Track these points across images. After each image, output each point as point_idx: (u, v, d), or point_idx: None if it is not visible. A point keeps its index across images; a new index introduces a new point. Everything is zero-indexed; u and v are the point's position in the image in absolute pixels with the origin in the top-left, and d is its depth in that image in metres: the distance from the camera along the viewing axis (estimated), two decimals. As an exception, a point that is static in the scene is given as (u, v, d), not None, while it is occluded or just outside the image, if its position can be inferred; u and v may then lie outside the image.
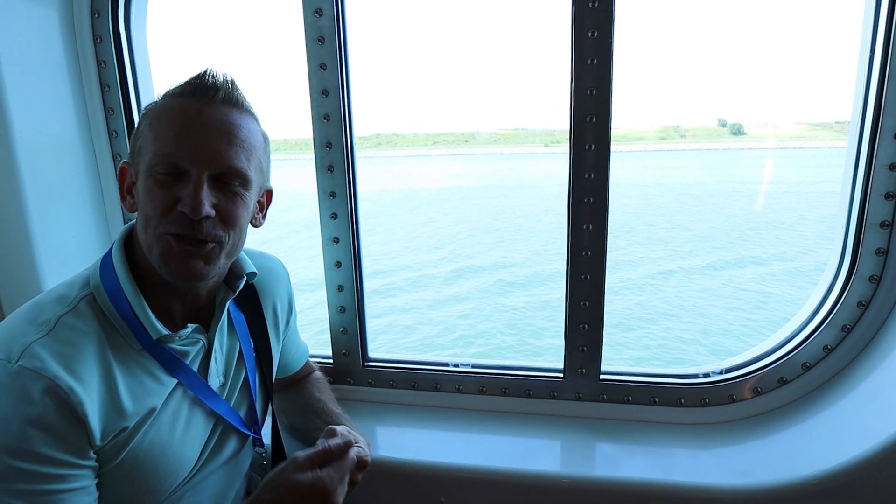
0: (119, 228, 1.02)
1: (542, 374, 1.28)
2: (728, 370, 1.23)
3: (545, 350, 8.44)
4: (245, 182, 0.85)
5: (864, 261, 1.10)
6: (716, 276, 12.08)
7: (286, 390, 1.20)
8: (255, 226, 0.93)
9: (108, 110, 1.32)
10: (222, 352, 0.96)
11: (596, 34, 1.06)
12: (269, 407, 1.07)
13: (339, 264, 1.28)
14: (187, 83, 0.84)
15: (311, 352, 1.28)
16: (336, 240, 1.27)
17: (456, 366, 1.33)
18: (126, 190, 0.87)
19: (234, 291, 0.94)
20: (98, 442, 0.76)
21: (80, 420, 0.74)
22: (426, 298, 11.13)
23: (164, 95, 0.85)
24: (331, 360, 1.36)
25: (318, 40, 1.17)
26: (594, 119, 1.10)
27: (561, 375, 1.26)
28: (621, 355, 8.10)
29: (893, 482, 0.97)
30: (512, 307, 10.49)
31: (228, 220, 0.84)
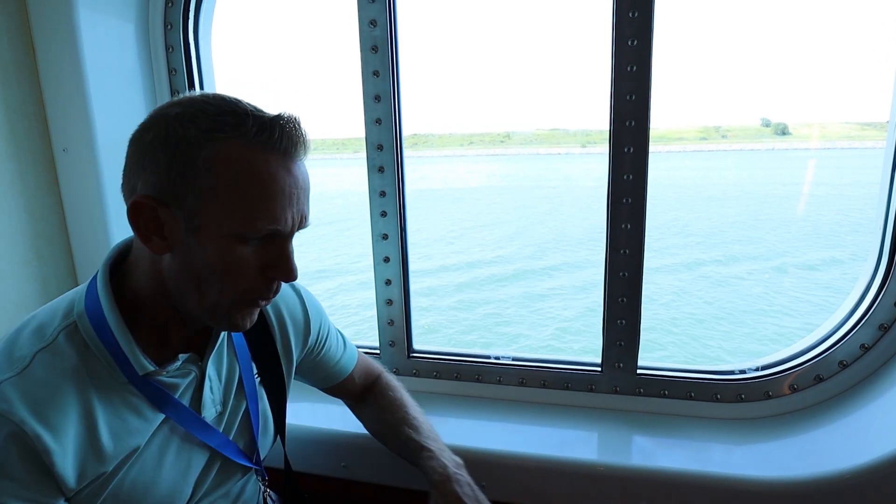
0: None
1: (580, 367, 1.33)
2: (764, 367, 1.25)
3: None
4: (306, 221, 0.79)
5: (900, 260, 1.11)
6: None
7: (361, 403, 1.15)
8: None
9: (177, 115, 1.43)
10: (219, 379, 0.88)
11: (636, 42, 1.11)
12: (281, 434, 1.00)
13: (387, 259, 1.36)
14: (275, 135, 0.71)
15: (358, 342, 1.36)
16: (385, 236, 1.35)
17: (497, 358, 1.39)
18: (151, 230, 0.72)
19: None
20: (73, 487, 0.70)
21: (46, 469, 0.68)
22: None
23: (231, 137, 0.70)
24: (378, 351, 1.44)
25: (372, 49, 1.25)
26: (633, 123, 1.14)
27: (599, 369, 1.31)
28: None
29: None
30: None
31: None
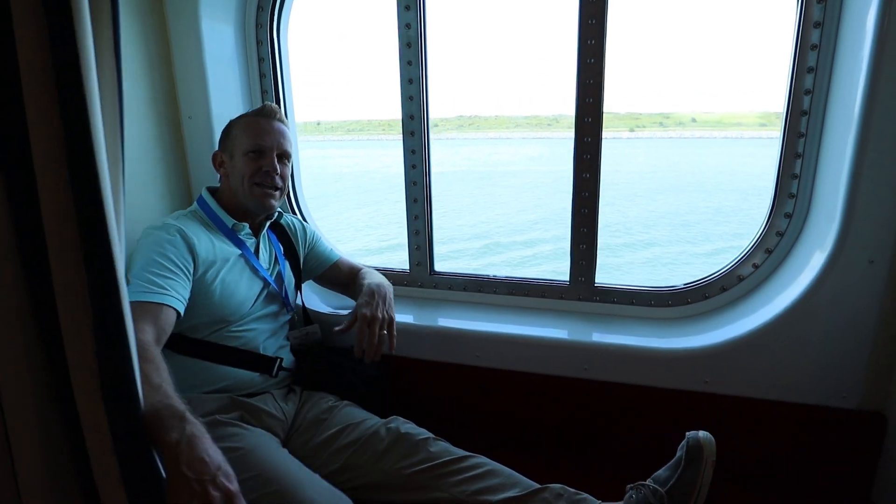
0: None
1: (553, 282, 1.81)
2: (687, 283, 1.72)
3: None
4: (289, 158, 1.55)
5: (780, 202, 1.56)
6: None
7: (349, 289, 1.73)
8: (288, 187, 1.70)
9: (263, 92, 1.94)
10: (266, 251, 1.58)
11: (593, 42, 1.56)
12: (299, 293, 1.70)
13: (416, 200, 1.86)
14: (260, 109, 1.54)
15: (393, 266, 1.90)
16: (414, 182, 1.84)
17: (495, 277, 1.89)
18: (218, 164, 1.55)
19: (269, 219, 1.58)
20: (201, 260, 1.36)
21: (191, 247, 1.36)
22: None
23: (242, 116, 1.55)
24: (408, 270, 1.95)
25: (407, 45, 1.73)
26: (591, 100, 1.61)
27: (567, 282, 1.79)
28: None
29: (796, 331, 1.43)
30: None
31: (284, 177, 1.53)
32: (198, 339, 1.38)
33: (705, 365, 1.52)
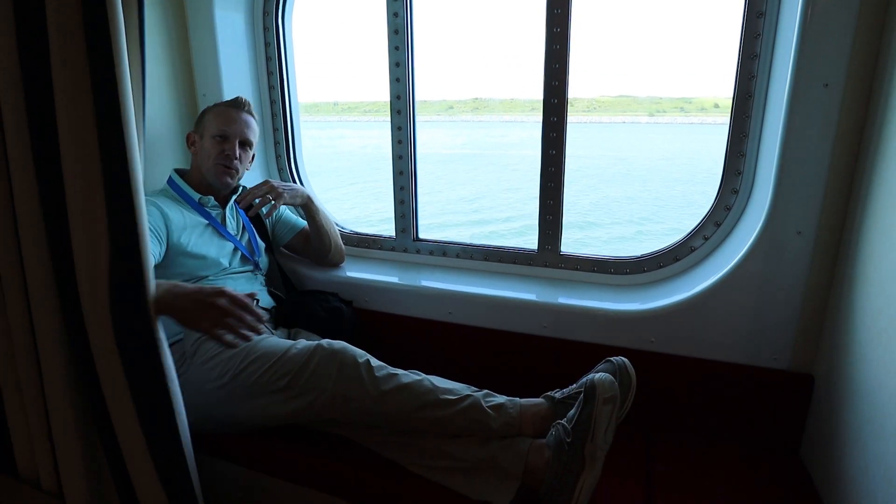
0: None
1: (523, 249, 1.99)
2: (643, 254, 1.86)
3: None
4: (250, 145, 1.79)
5: (728, 179, 1.68)
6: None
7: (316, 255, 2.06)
8: (246, 170, 1.84)
9: (269, 73, 2.16)
10: (234, 220, 1.84)
11: (559, 30, 1.71)
12: (269, 255, 1.96)
13: (401, 173, 2.05)
14: (233, 101, 1.78)
15: (381, 232, 2.09)
16: (400, 157, 2.03)
17: (471, 244, 2.07)
18: (190, 143, 1.80)
19: (233, 195, 1.84)
20: (172, 227, 1.60)
21: (164, 216, 1.60)
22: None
23: (217, 105, 1.79)
24: (394, 236, 2.15)
25: (395, 32, 1.92)
26: (556, 83, 1.76)
27: (535, 250, 1.96)
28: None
29: (732, 295, 1.57)
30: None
31: (242, 160, 1.78)
32: None
33: (651, 326, 1.67)
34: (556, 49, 1.74)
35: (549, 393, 1.45)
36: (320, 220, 1.95)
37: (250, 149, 1.80)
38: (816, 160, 1.41)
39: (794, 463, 1.54)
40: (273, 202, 1.80)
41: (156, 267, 1.55)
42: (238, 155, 1.74)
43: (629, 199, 17.26)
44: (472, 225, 13.87)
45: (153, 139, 1.89)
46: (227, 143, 1.72)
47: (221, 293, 1.21)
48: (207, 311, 1.19)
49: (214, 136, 1.72)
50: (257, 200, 1.80)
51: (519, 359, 1.80)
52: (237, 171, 1.76)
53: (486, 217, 14.81)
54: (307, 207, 1.92)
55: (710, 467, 1.53)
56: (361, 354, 1.46)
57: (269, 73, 2.15)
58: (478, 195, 17.46)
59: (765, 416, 1.61)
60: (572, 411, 1.32)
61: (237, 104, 1.77)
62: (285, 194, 1.83)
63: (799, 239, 1.48)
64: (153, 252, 1.52)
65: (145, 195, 1.57)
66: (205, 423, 1.56)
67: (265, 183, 1.82)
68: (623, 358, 1.38)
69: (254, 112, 1.81)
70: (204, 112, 1.79)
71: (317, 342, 1.49)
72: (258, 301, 1.72)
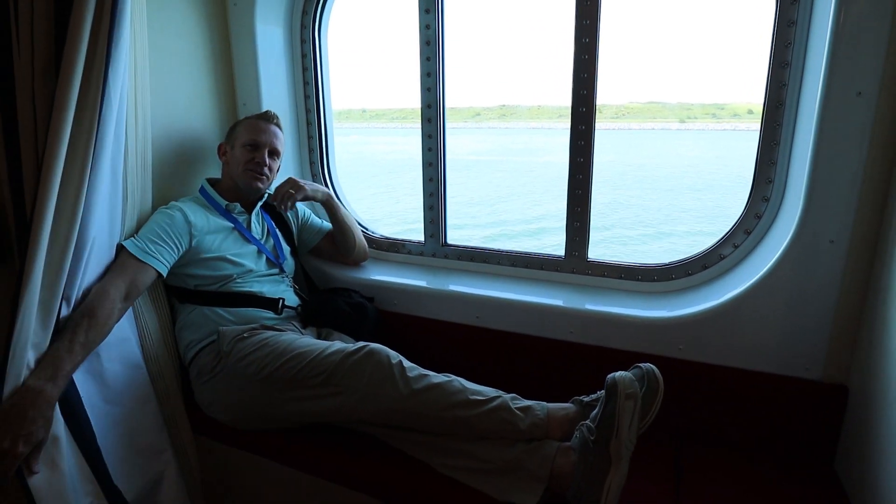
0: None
1: (551, 256, 2.01)
2: (672, 262, 1.86)
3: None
4: (278, 155, 1.87)
5: (759, 187, 1.68)
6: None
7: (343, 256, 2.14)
8: (274, 178, 1.91)
9: (305, 83, 2.24)
10: (259, 225, 1.90)
11: (587, 21, 1.74)
12: (295, 258, 2.02)
13: (431, 180, 2.10)
14: (263, 114, 1.89)
15: (411, 237, 2.14)
16: (430, 164, 2.08)
17: (499, 250, 2.10)
18: (221, 153, 1.88)
19: (259, 202, 1.90)
20: (196, 231, 1.68)
21: (189, 223, 1.67)
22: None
23: (247, 118, 1.88)
24: (422, 241, 2.19)
25: (427, 43, 1.97)
26: (585, 92, 1.78)
27: (563, 257, 1.98)
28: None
29: (763, 304, 1.56)
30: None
31: (271, 168, 1.85)
32: (211, 292, 1.73)
33: (679, 333, 1.67)
34: (584, 59, 1.76)
35: (577, 397, 1.47)
36: (342, 217, 2.02)
37: (278, 158, 1.88)
38: (850, 168, 1.40)
39: (828, 475, 1.52)
40: (294, 195, 1.89)
41: (180, 267, 1.68)
42: (267, 162, 1.82)
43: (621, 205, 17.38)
44: (488, 227, 14.38)
45: (196, 147, 1.97)
46: (258, 151, 1.81)
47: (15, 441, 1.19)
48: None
49: (245, 144, 1.80)
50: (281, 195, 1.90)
51: (546, 364, 1.82)
52: (267, 176, 1.83)
53: (503, 219, 15.33)
54: (328, 204, 1.98)
55: (740, 477, 1.52)
56: (395, 356, 1.50)
57: (305, 83, 2.23)
58: (497, 199, 17.90)
59: (797, 426, 1.59)
60: (595, 410, 1.34)
61: (266, 117, 1.87)
62: (306, 187, 1.90)
63: (832, 248, 1.46)
64: (164, 260, 1.60)
65: (179, 201, 1.75)
66: (239, 420, 1.62)
67: (289, 179, 1.90)
68: (651, 364, 1.39)
69: (281, 125, 1.89)
70: (235, 124, 1.88)
71: (353, 343, 1.55)
72: (284, 301, 1.79)
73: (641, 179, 22.88)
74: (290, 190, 1.86)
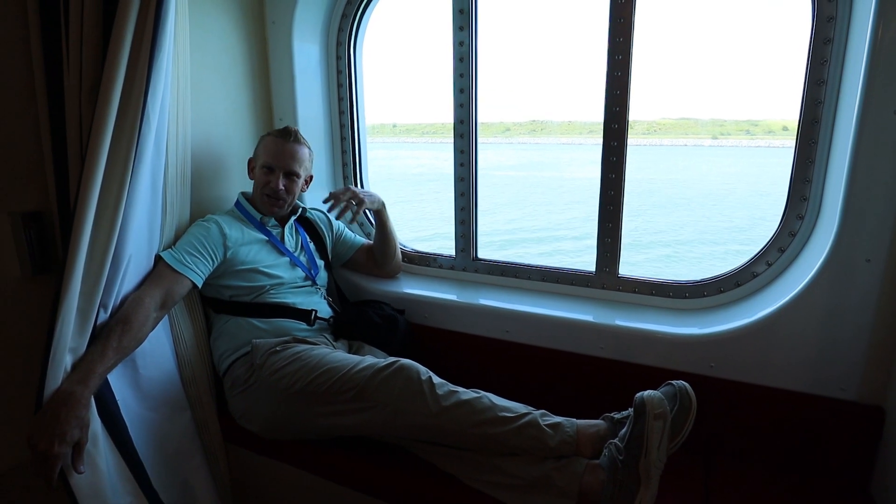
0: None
1: (581, 271, 2.01)
2: (703, 279, 1.85)
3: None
4: (296, 175, 1.85)
5: (793, 204, 1.66)
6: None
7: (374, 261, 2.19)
8: (303, 192, 1.94)
9: (339, 99, 2.30)
10: (292, 238, 1.93)
11: (620, 39, 1.76)
12: (328, 271, 2.04)
13: (462, 194, 2.13)
14: (282, 130, 1.86)
15: (442, 252, 2.17)
16: (462, 179, 2.11)
17: (529, 265, 2.11)
18: (250, 168, 1.91)
19: (293, 216, 1.95)
20: (231, 243, 1.72)
21: (224, 235, 1.71)
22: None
23: (269, 134, 1.88)
24: (453, 255, 2.22)
25: (460, 59, 2.01)
26: (618, 109, 1.80)
27: (593, 272, 1.98)
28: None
29: (797, 323, 1.55)
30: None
31: (290, 190, 1.85)
32: (245, 303, 1.77)
33: (711, 351, 1.66)
34: (617, 76, 1.78)
35: (608, 414, 1.47)
36: (390, 227, 2.07)
37: (297, 178, 1.86)
38: (886, 187, 1.38)
39: (864, 500, 1.48)
40: (356, 207, 1.94)
41: (216, 279, 1.74)
42: (283, 185, 1.82)
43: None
44: (505, 233, 14.89)
45: (233, 161, 2.04)
46: (273, 174, 1.81)
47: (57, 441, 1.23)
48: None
49: (262, 166, 1.83)
50: (342, 205, 1.95)
51: (576, 379, 1.82)
52: (284, 200, 1.84)
53: (520, 226, 15.89)
54: (380, 213, 2.04)
55: (771, 499, 1.49)
56: (425, 372, 1.52)
57: (340, 99, 2.29)
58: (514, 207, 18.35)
59: (831, 448, 1.56)
60: (623, 430, 1.34)
61: (285, 134, 1.85)
62: (366, 199, 1.95)
63: (868, 266, 1.45)
64: (199, 271, 1.65)
65: (216, 214, 1.81)
66: (270, 430, 1.66)
67: (347, 189, 1.94)
68: (684, 382, 1.38)
69: (302, 139, 1.89)
70: (260, 140, 1.90)
71: (384, 358, 1.58)
72: (317, 312, 1.83)
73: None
74: (352, 201, 1.92)
